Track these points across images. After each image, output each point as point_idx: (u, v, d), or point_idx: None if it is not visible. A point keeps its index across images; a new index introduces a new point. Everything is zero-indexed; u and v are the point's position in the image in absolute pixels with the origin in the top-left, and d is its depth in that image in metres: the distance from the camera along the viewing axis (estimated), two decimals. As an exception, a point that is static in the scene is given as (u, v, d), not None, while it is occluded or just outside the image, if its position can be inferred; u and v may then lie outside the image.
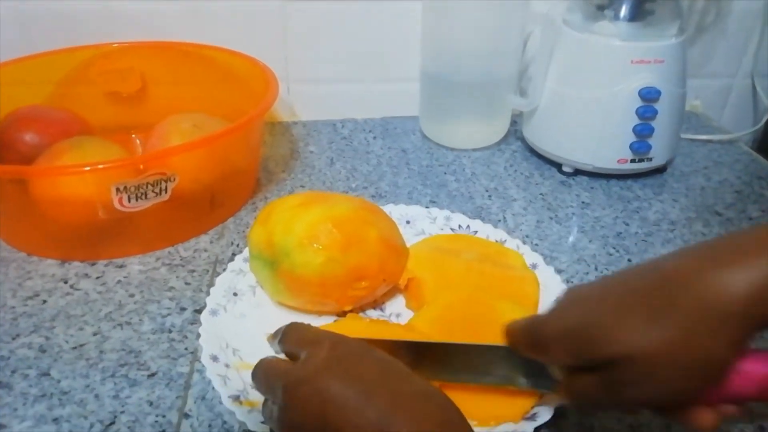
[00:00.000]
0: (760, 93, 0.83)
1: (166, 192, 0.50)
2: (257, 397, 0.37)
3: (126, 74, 0.68)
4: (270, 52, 0.68)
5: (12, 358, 0.44)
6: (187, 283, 0.51)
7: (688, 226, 0.60)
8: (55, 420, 0.39)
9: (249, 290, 0.48)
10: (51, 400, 0.41)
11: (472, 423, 0.30)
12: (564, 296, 0.35)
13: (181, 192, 0.51)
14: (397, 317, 0.48)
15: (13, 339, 0.45)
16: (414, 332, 0.43)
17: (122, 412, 0.40)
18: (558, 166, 0.69)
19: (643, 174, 0.68)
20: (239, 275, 0.49)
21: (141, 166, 0.49)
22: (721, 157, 0.73)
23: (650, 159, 0.65)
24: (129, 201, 0.49)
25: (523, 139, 0.73)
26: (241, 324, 0.45)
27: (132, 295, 0.50)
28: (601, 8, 0.63)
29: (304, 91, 0.77)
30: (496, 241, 0.53)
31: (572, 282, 0.52)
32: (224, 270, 0.49)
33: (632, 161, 0.65)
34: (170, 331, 0.46)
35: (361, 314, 0.47)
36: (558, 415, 0.38)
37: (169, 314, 0.48)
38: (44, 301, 0.49)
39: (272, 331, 0.37)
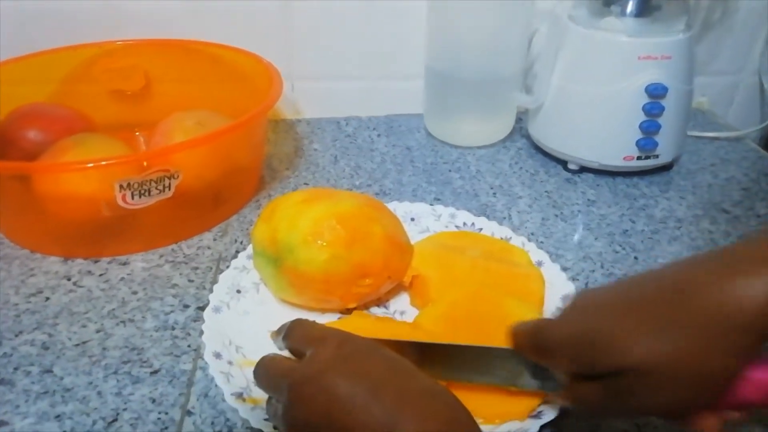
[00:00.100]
0: (767, 90, 0.83)
1: (169, 189, 0.50)
2: (260, 395, 0.36)
3: (129, 72, 0.68)
4: (274, 50, 0.68)
5: (15, 355, 0.44)
6: (190, 281, 0.51)
7: (695, 224, 0.60)
8: (58, 417, 0.39)
9: (252, 287, 0.48)
10: (53, 397, 0.41)
11: (477, 420, 0.30)
12: (572, 301, 0.34)
13: (184, 189, 0.51)
14: (402, 315, 0.47)
15: (16, 336, 0.45)
16: (420, 331, 0.42)
17: (125, 409, 0.40)
18: (563, 163, 0.68)
19: (650, 171, 0.67)
20: (243, 272, 0.49)
21: (144, 163, 0.49)
22: (728, 154, 0.73)
23: (657, 156, 0.64)
24: (132, 198, 0.49)
25: (528, 137, 0.73)
26: (244, 321, 0.45)
27: (135, 293, 0.50)
28: (607, 4, 0.63)
29: (309, 89, 0.77)
30: (501, 238, 0.53)
31: (578, 280, 0.52)
32: (227, 267, 0.49)
33: (638, 158, 0.64)
34: (173, 329, 0.46)
35: (365, 312, 0.47)
36: (563, 413, 0.38)
37: (172, 311, 0.48)
38: (47, 298, 0.49)
39: (275, 328, 0.37)
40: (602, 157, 0.65)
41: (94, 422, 0.39)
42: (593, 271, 0.53)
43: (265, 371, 0.33)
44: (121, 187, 0.48)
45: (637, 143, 0.63)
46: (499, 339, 0.38)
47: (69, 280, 0.51)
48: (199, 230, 0.57)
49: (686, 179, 0.67)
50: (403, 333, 0.42)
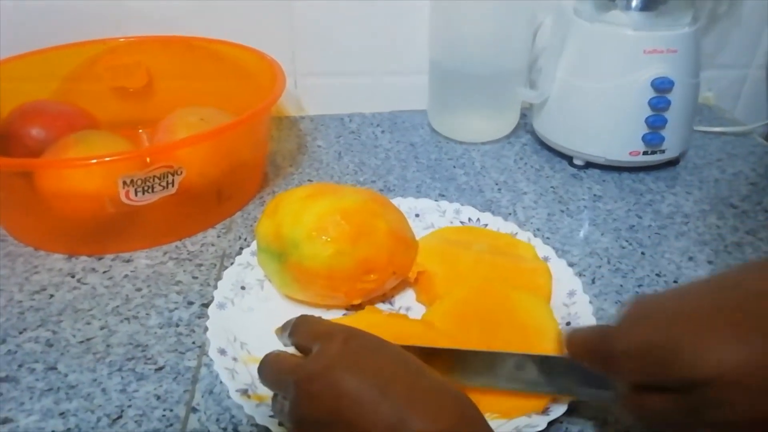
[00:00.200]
0: (774, 84, 0.82)
1: (173, 185, 0.50)
2: (265, 391, 0.36)
3: (133, 69, 0.68)
4: (277, 46, 0.67)
5: (19, 352, 0.43)
6: (194, 277, 0.51)
7: (702, 219, 0.59)
8: (62, 414, 0.39)
9: (257, 284, 0.48)
10: (58, 394, 0.40)
11: (491, 415, 0.30)
12: (632, 308, 0.32)
13: (188, 185, 0.51)
14: (407, 311, 0.47)
15: (20, 333, 0.45)
16: (434, 331, 0.41)
17: (129, 406, 0.40)
18: (569, 158, 0.68)
19: (656, 166, 0.67)
20: (247, 269, 0.48)
21: (148, 159, 0.49)
22: (735, 149, 0.72)
23: (663, 151, 0.64)
24: (136, 194, 0.48)
25: (533, 132, 0.73)
26: (248, 317, 0.45)
27: (139, 290, 0.49)
28: (612, -2, 0.62)
29: (312, 85, 0.77)
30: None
31: (584, 275, 0.51)
32: (232, 264, 0.49)
33: (645, 153, 0.64)
34: (177, 325, 0.46)
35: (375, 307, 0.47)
36: (571, 409, 0.37)
37: (176, 308, 0.48)
38: (51, 296, 0.49)
39: (280, 324, 0.36)
40: (608, 153, 0.64)
41: (99, 419, 0.39)
42: (600, 266, 0.53)
43: (271, 368, 0.33)
44: (124, 183, 0.47)
45: (644, 138, 0.62)
46: (509, 334, 0.38)
47: (73, 277, 0.51)
48: (202, 227, 0.57)
49: (693, 174, 0.67)
50: (416, 332, 0.41)
